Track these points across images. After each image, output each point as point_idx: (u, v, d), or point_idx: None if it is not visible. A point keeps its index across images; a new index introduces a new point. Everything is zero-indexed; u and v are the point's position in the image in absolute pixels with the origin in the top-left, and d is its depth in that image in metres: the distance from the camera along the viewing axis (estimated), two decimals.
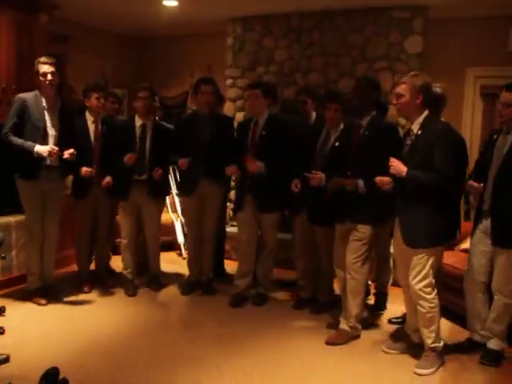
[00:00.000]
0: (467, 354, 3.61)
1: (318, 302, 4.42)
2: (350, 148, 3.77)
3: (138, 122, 4.61)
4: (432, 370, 3.37)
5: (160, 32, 6.95)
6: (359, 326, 3.86)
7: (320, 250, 4.29)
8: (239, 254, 4.72)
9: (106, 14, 6.25)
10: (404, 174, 3.23)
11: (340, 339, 3.77)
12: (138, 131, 4.58)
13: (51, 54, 4.33)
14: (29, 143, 4.04)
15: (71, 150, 4.11)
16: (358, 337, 3.85)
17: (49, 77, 4.10)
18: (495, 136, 3.55)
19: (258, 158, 4.26)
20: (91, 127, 4.56)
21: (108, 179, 4.50)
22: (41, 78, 4.11)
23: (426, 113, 3.35)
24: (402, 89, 3.33)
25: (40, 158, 4.06)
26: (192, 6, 5.72)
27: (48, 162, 4.15)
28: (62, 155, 4.09)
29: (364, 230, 3.68)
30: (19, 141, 4.04)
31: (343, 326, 3.83)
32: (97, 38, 6.57)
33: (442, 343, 3.45)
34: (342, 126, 4.12)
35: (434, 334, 3.38)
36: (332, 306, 4.33)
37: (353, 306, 3.79)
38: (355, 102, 3.73)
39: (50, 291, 4.44)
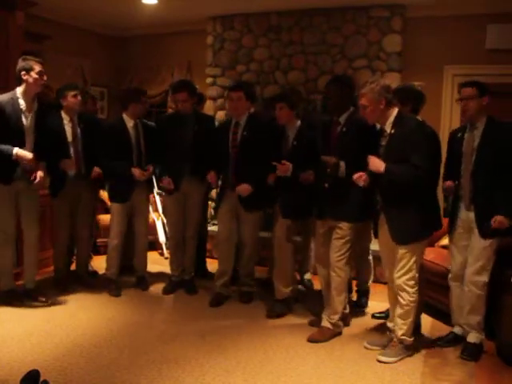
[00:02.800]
0: (449, 348, 3.66)
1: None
2: (327, 144, 3.78)
3: (130, 122, 4.59)
4: (394, 359, 3.44)
5: (139, 30, 6.92)
6: (341, 323, 3.88)
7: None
8: (218, 253, 4.70)
9: (85, 12, 6.20)
10: (382, 169, 3.28)
11: (322, 336, 3.79)
12: (131, 132, 4.58)
13: (27, 53, 4.25)
14: (6, 146, 3.93)
15: (41, 174, 4.09)
16: (339, 334, 3.87)
17: (44, 77, 4.04)
18: (459, 134, 3.61)
19: (242, 158, 4.26)
20: (68, 127, 4.50)
21: (97, 170, 4.51)
22: (34, 76, 4.00)
23: (395, 112, 3.40)
24: (364, 101, 3.38)
25: (17, 161, 3.97)
26: (171, 4, 5.70)
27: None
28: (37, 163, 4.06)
29: (346, 228, 3.70)
30: None
31: (325, 323, 3.85)
32: (75, 37, 6.48)
33: (411, 339, 3.50)
34: (298, 123, 4.19)
35: (406, 327, 3.45)
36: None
37: (337, 303, 3.81)
38: (337, 100, 3.74)
39: (31, 293, 4.36)
